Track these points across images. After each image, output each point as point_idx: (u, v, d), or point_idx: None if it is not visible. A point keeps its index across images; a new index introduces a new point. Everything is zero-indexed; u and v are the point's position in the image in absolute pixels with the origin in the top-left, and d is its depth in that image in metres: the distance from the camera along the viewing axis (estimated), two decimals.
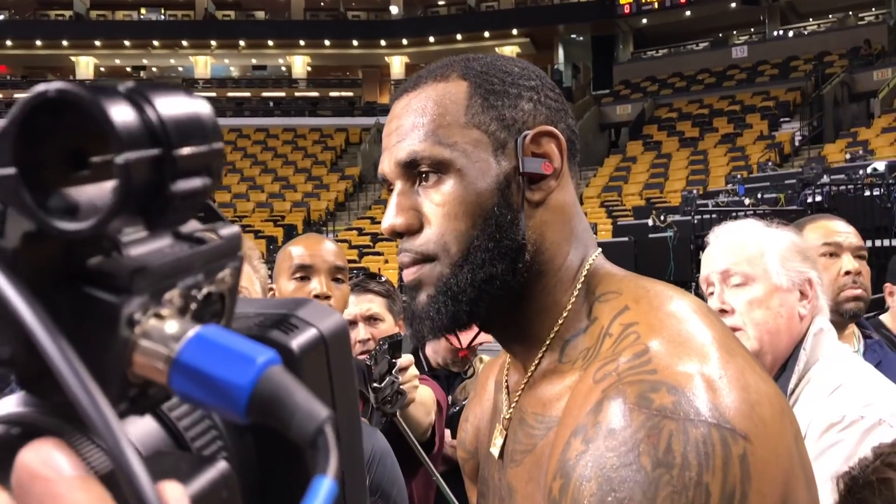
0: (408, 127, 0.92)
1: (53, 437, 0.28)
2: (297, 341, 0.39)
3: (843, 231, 2.39)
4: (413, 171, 0.92)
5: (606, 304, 0.90)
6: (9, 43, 31.25)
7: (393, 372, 1.79)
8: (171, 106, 0.31)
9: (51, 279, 0.30)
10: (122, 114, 0.29)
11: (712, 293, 1.80)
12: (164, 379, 0.30)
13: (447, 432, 2.43)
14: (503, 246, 0.90)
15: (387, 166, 0.94)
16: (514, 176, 0.91)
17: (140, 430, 0.35)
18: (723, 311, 1.75)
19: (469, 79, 0.93)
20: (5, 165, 0.29)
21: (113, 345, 0.30)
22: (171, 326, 0.31)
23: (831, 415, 1.58)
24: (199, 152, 0.31)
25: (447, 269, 0.90)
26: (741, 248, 1.77)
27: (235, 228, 0.37)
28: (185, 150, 0.31)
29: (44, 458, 0.26)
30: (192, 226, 0.34)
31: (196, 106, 0.32)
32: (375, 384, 1.75)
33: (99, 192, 0.29)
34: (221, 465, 0.32)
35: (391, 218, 0.92)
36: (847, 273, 2.30)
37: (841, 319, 2.26)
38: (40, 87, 0.29)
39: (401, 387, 1.80)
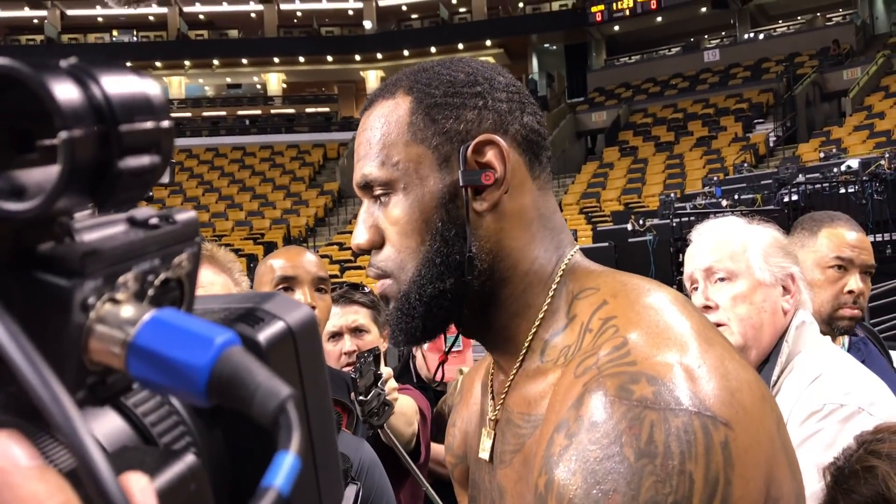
0: (362, 148, 0.95)
1: (8, 429, 0.28)
2: (263, 334, 0.38)
3: (857, 246, 2.30)
4: (370, 191, 0.94)
5: (585, 301, 0.91)
6: None
7: (378, 384, 1.80)
8: (116, 83, 0.30)
9: (1, 265, 0.30)
10: (64, 90, 0.28)
11: (696, 289, 1.82)
12: (122, 364, 0.30)
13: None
14: (451, 261, 0.91)
15: (354, 184, 0.98)
16: (458, 189, 0.91)
17: (105, 426, 0.34)
18: (707, 308, 1.76)
19: (413, 94, 0.94)
20: None
21: (67, 330, 0.29)
22: (127, 311, 0.30)
23: (812, 404, 1.59)
24: (146, 129, 0.31)
25: (404, 286, 0.93)
26: (724, 245, 1.79)
27: (192, 213, 0.36)
28: (131, 126, 0.30)
29: (0, 449, 0.26)
30: (146, 212, 0.34)
31: (144, 85, 0.31)
32: (361, 397, 1.75)
33: (47, 174, 0.29)
34: (189, 459, 0.32)
35: (356, 235, 0.96)
36: (850, 292, 2.25)
37: (830, 332, 2.24)
38: None
39: (387, 399, 1.80)
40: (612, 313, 0.86)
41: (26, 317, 0.28)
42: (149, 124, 0.31)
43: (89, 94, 0.29)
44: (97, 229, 0.31)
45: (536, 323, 0.93)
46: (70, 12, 31.16)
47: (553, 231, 0.97)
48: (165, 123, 0.32)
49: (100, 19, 32.37)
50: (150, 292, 0.32)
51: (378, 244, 0.94)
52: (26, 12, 32.24)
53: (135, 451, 0.34)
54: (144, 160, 0.31)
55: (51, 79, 0.28)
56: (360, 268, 18.27)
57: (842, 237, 2.30)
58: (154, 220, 0.33)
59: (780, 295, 1.76)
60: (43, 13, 31.83)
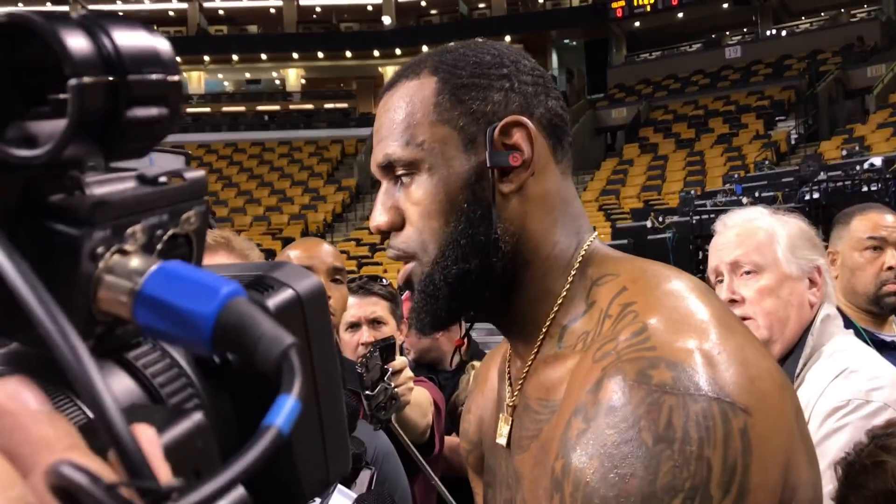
0: (384, 129, 0.94)
1: (19, 376, 0.28)
2: (272, 300, 0.38)
3: (889, 225, 2.36)
4: (391, 172, 0.93)
5: (604, 287, 0.90)
6: None
7: (385, 378, 1.79)
8: (126, 35, 0.30)
9: (12, 214, 0.30)
10: (75, 39, 0.29)
11: (721, 282, 1.80)
12: (129, 313, 0.30)
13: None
14: (476, 241, 0.90)
15: (372, 166, 0.96)
16: (484, 170, 0.90)
17: (115, 385, 0.35)
18: (732, 301, 1.74)
19: (439, 74, 0.93)
20: None
21: (76, 279, 0.30)
22: (136, 261, 0.31)
23: (836, 399, 1.57)
24: (155, 80, 0.31)
25: (427, 268, 0.91)
26: (750, 237, 1.76)
27: (201, 172, 0.36)
28: (140, 77, 0.30)
29: (10, 393, 0.27)
30: (155, 169, 0.34)
31: (153, 39, 0.32)
32: (368, 392, 1.75)
33: (57, 125, 0.29)
34: (196, 417, 0.32)
35: (375, 217, 0.94)
36: (890, 268, 2.28)
37: (881, 312, 2.28)
38: None
39: (395, 392, 1.79)
40: (632, 299, 0.85)
41: (37, 265, 0.28)
42: (157, 76, 0.31)
43: (99, 43, 0.29)
44: (107, 184, 0.32)
45: (555, 308, 0.92)
46: (91, 7, 31.40)
47: (573, 216, 0.96)
48: (174, 77, 0.32)
49: (120, 14, 32.50)
50: (159, 246, 0.33)
51: (398, 226, 0.93)
52: (48, 7, 32.55)
53: (143, 408, 0.35)
54: (153, 111, 0.31)
55: (62, 28, 0.28)
56: (377, 263, 18.31)
57: (874, 220, 2.38)
58: (163, 178, 0.34)
59: (806, 288, 1.74)
60: (65, 9, 32.10)
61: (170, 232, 0.34)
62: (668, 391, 0.73)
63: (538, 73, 0.97)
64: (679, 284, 0.85)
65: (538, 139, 0.92)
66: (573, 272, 0.93)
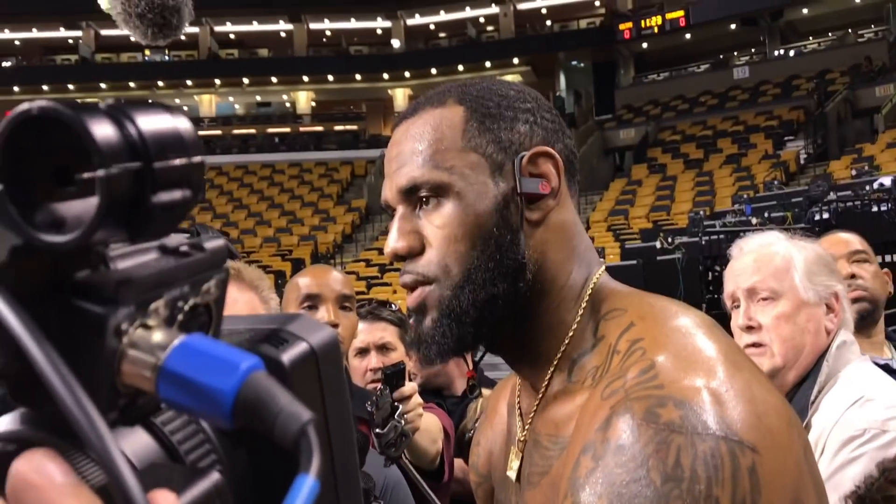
0: (407, 153, 0.94)
1: (46, 448, 0.29)
2: (287, 355, 0.39)
3: (834, 242, 2.42)
4: (413, 196, 0.93)
5: (612, 322, 0.90)
6: (16, 89, 31.62)
7: (395, 415, 1.79)
8: (150, 121, 0.32)
9: (40, 292, 0.31)
10: (102, 129, 0.30)
11: (737, 307, 1.79)
12: (152, 387, 0.31)
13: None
14: (504, 266, 0.90)
15: (388, 192, 0.96)
16: (512, 196, 0.92)
17: (134, 443, 0.35)
18: (749, 328, 1.73)
19: (465, 103, 0.94)
20: None
21: (101, 354, 0.31)
22: (158, 336, 0.32)
23: (852, 428, 1.55)
24: (179, 165, 0.32)
25: (448, 291, 0.91)
26: (767, 263, 1.75)
27: (221, 241, 0.38)
28: (165, 163, 0.32)
29: (36, 466, 0.27)
30: (177, 239, 0.35)
31: (176, 121, 0.33)
32: (378, 430, 1.75)
33: (84, 206, 0.30)
34: (214, 477, 0.33)
35: (393, 242, 0.94)
36: (852, 276, 2.31)
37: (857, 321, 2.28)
38: (24, 105, 0.30)
39: (405, 429, 1.80)
40: (640, 335, 0.85)
41: (63, 341, 0.30)
42: (181, 160, 0.33)
43: (125, 132, 0.31)
44: (131, 257, 0.33)
45: (566, 341, 0.93)
46: (104, 32, 31.69)
47: (586, 248, 0.98)
48: (196, 159, 0.34)
49: (133, 39, 32.83)
50: (180, 317, 0.34)
51: (417, 250, 0.93)
52: (62, 33, 32.90)
53: (163, 468, 0.35)
54: (176, 195, 0.33)
55: (90, 119, 0.30)
56: (387, 284, 18.31)
57: (823, 242, 2.41)
58: (184, 248, 0.35)
59: (823, 314, 1.72)
60: (78, 34, 32.45)
61: (191, 302, 0.35)
62: (676, 430, 0.73)
63: (555, 113, 1.00)
64: (686, 321, 0.86)
65: (562, 171, 0.95)
66: (583, 304, 0.94)
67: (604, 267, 0.99)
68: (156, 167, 0.31)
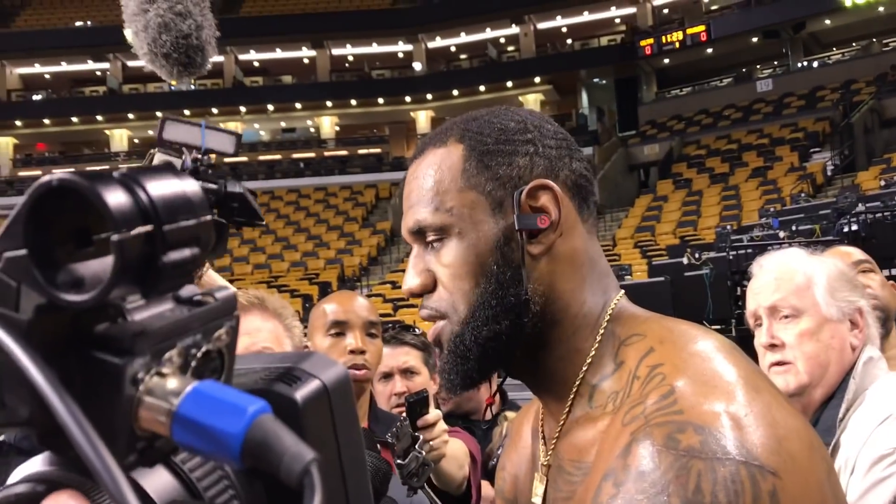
0: (414, 195, 0.97)
1: (71, 490, 0.32)
2: (300, 393, 0.42)
3: (837, 255, 2.39)
4: (422, 236, 0.96)
5: (631, 347, 0.91)
6: (46, 121, 32.29)
7: (417, 446, 1.80)
8: (159, 187, 0.34)
9: (62, 345, 0.34)
10: (116, 197, 0.33)
11: (759, 325, 1.77)
12: (167, 431, 0.34)
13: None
14: (506, 303, 0.92)
15: (403, 231, 0.99)
16: (512, 232, 0.93)
17: (156, 482, 0.38)
18: (773, 346, 1.72)
19: (465, 142, 0.96)
20: (18, 247, 0.33)
21: (119, 402, 0.33)
22: (172, 383, 0.34)
23: (882, 446, 1.53)
24: (187, 226, 0.35)
25: (457, 328, 0.94)
26: (788, 280, 1.73)
27: (231, 290, 0.40)
28: (174, 226, 0.34)
29: None
30: (190, 290, 0.38)
31: (184, 185, 0.36)
32: (399, 461, 1.76)
33: (102, 265, 0.33)
34: None
35: (408, 280, 0.97)
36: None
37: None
38: (44, 179, 0.33)
39: (426, 459, 1.80)
40: (659, 360, 0.85)
41: (84, 389, 0.32)
42: (189, 222, 0.35)
43: (137, 199, 0.33)
44: (146, 308, 0.35)
45: (584, 368, 0.93)
46: (131, 64, 32.22)
47: (600, 275, 0.98)
48: (204, 218, 0.36)
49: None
50: (193, 364, 0.36)
51: (430, 288, 0.96)
52: (90, 65, 33.54)
53: None
54: (186, 253, 0.35)
55: (104, 188, 0.33)
56: (412, 306, 18.32)
57: (848, 253, 2.40)
58: (197, 298, 0.38)
59: (847, 330, 1.70)
60: (105, 65, 33.04)
61: (203, 349, 0.37)
62: (696, 455, 0.73)
63: (561, 136, 0.99)
64: (706, 345, 0.86)
65: (564, 201, 0.94)
66: (601, 331, 0.94)
67: (622, 291, 0.99)
68: (166, 230, 0.34)
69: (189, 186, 0.36)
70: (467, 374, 0.94)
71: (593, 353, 0.93)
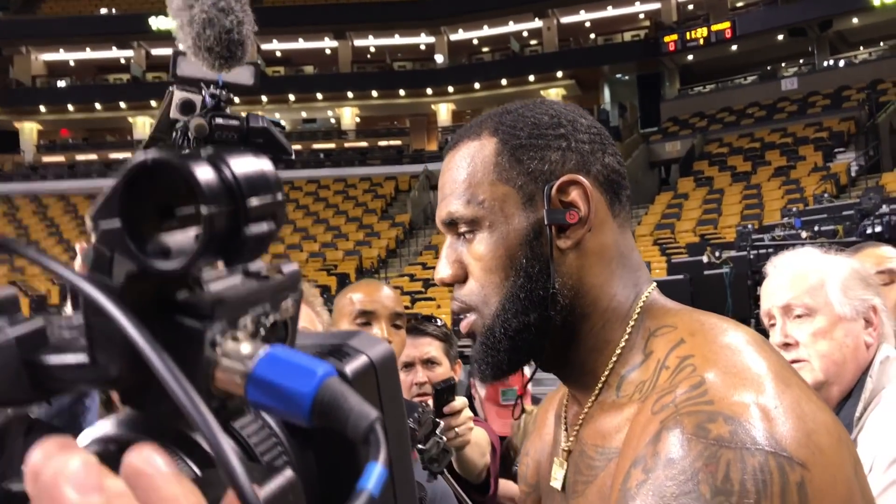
0: (447, 187, 0.99)
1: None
2: (350, 367, 0.45)
3: (894, 256, 2.39)
4: (454, 227, 0.98)
5: (662, 339, 0.92)
6: (70, 108, 32.54)
7: (437, 431, 1.82)
8: (242, 165, 0.37)
9: (149, 310, 0.37)
10: (205, 174, 0.35)
11: (774, 325, 1.78)
12: (242, 391, 0.37)
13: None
14: (535, 296, 0.94)
15: (437, 220, 1.02)
16: (542, 227, 0.94)
17: None
18: (786, 345, 1.73)
19: (498, 135, 0.97)
20: (112, 217, 0.36)
21: (199, 363, 0.36)
22: (246, 347, 0.37)
23: None
24: (266, 202, 0.38)
25: (488, 320, 0.96)
26: (801, 279, 1.75)
27: (295, 266, 0.43)
28: (255, 201, 0.37)
29: (145, 458, 0.32)
30: (258, 264, 0.41)
31: (262, 164, 0.39)
32: (420, 445, 1.78)
33: (185, 237, 0.36)
34: (288, 474, 0.38)
35: (440, 270, 1.00)
36: None
37: None
38: (140, 157, 0.36)
39: (446, 445, 1.82)
40: (690, 352, 0.86)
41: (168, 351, 0.34)
42: (268, 198, 0.38)
43: (223, 176, 0.36)
44: (220, 280, 0.38)
45: (613, 359, 0.95)
46: (154, 52, 32.49)
47: (631, 268, 0.99)
48: (279, 196, 0.39)
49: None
50: (263, 332, 0.39)
51: (461, 279, 0.98)
52: (114, 52, 33.78)
53: (243, 465, 0.40)
54: (264, 227, 0.38)
55: (195, 166, 0.35)
56: (430, 299, 18.38)
57: (876, 254, 2.44)
58: (264, 272, 0.41)
59: (862, 329, 1.71)
60: (129, 53, 33.27)
61: (271, 319, 0.40)
62: (726, 445, 0.74)
63: (595, 130, 1.01)
64: (736, 337, 0.87)
65: (595, 196, 0.96)
66: (631, 323, 0.95)
67: (654, 284, 1.00)
68: (248, 205, 0.37)
69: (266, 165, 0.39)
70: (498, 364, 0.96)
71: (623, 344, 0.95)
